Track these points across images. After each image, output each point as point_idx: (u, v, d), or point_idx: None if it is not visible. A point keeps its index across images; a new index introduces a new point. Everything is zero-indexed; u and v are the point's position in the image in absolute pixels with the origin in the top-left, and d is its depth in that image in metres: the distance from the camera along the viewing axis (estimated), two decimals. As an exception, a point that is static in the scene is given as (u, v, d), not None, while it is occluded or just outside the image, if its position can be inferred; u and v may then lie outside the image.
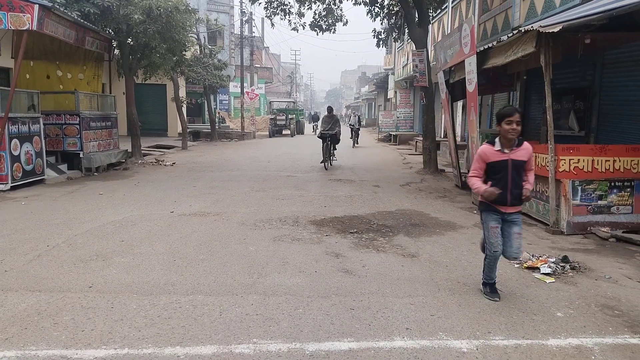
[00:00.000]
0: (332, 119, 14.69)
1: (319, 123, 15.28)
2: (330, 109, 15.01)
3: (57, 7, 10.10)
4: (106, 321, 3.66)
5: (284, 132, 33.59)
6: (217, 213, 7.62)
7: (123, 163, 13.96)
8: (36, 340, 3.35)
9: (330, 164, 14.43)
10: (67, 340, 3.36)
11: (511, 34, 6.99)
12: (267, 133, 32.77)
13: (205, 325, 3.61)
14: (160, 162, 15.02)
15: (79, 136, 12.02)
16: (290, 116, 33.95)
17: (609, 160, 6.52)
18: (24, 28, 9.02)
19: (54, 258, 5.22)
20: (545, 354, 3.26)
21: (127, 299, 4.10)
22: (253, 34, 36.36)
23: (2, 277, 4.62)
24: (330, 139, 14.27)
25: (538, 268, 4.96)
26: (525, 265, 5.09)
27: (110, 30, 13.47)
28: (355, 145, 23.31)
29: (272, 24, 17.44)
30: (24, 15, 8.91)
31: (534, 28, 6.17)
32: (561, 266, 5.02)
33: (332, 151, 14.57)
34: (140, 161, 14.93)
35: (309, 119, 50.51)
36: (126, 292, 4.25)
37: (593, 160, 6.51)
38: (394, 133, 27.13)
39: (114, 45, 14.25)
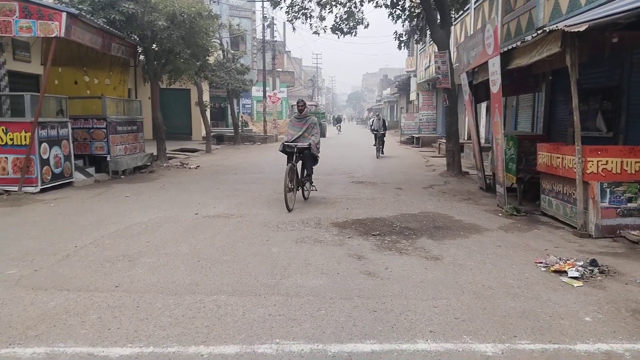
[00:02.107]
0: (304, 122, 8.84)
1: (288, 129, 9.14)
2: (301, 105, 9.01)
3: (84, 14, 10.36)
4: (132, 320, 3.72)
5: (306, 135, 33.61)
6: (241, 215, 7.68)
7: (149, 166, 14.19)
8: (64, 338, 3.43)
9: (304, 197, 8.95)
10: (94, 338, 3.43)
11: (535, 34, 6.88)
12: (289, 136, 32.83)
13: (228, 325, 3.64)
14: (185, 165, 15.22)
15: (106, 140, 12.27)
16: None
17: (638, 162, 6.36)
18: (53, 35, 9.26)
19: (81, 258, 5.33)
20: None
21: (152, 298, 4.17)
22: (275, 39, 36.60)
23: (33, 276, 4.74)
24: (301, 156, 8.61)
25: (565, 272, 4.86)
26: (552, 268, 4.98)
27: (135, 37, 13.73)
28: (380, 155, 19.26)
29: (294, 28, 17.61)
30: (53, 23, 9.15)
31: (559, 27, 6.05)
32: (589, 270, 4.90)
33: (304, 177, 8.85)
34: (165, 164, 15.15)
35: (333, 122, 55.15)
36: (152, 292, 4.31)
37: (622, 162, 6.35)
38: (416, 135, 26.97)
39: (139, 51, 14.50)
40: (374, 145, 19.65)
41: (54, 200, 8.98)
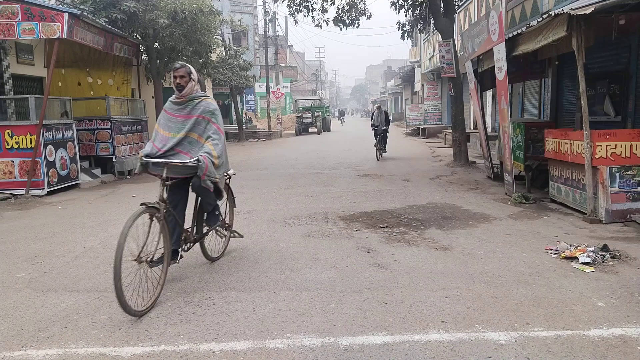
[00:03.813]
0: (188, 113, 4.48)
1: (156, 126, 4.58)
2: (180, 75, 4.43)
3: (86, 14, 10.35)
4: (142, 319, 3.72)
5: (310, 130, 33.59)
6: (247, 211, 7.67)
7: (154, 165, 14.18)
8: (76, 339, 3.43)
9: (208, 256, 4.97)
10: (105, 338, 3.43)
11: (540, 18, 6.79)
12: (294, 132, 32.86)
13: (239, 321, 3.63)
14: (190, 164, 15.20)
15: (111, 141, 12.29)
16: (316, 114, 33.93)
17: (648, 145, 6.27)
18: (55, 37, 9.26)
19: (90, 259, 5.34)
20: (587, 345, 3.15)
21: (162, 297, 4.15)
22: (277, 33, 36.50)
23: (42, 278, 4.75)
24: (190, 186, 4.44)
25: (577, 258, 4.81)
26: (563, 255, 4.94)
27: (137, 35, 13.73)
28: (382, 156, 15.63)
29: (296, 22, 17.55)
30: (55, 24, 9.15)
31: (565, 11, 5.97)
32: (601, 255, 4.85)
33: (202, 234, 4.80)
34: (170, 163, 15.13)
35: (338, 115, 56.67)
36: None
37: (631, 146, 6.27)
38: (422, 126, 26.85)
39: (142, 50, 14.51)
40: (375, 145, 15.74)
41: (61, 202, 9.00)
